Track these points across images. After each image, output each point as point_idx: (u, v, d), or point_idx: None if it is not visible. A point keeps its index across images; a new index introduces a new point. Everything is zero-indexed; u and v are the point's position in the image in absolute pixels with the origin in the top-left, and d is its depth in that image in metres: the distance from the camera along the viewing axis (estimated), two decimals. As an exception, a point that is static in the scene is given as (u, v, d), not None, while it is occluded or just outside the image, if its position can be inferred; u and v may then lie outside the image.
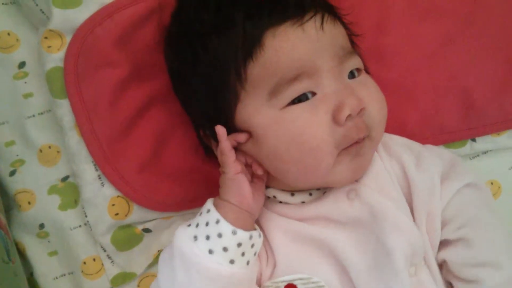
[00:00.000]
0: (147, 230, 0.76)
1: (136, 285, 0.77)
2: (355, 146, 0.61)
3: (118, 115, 0.72)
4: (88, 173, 0.72)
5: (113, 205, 0.73)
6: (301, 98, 0.60)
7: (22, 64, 0.76)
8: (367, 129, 0.61)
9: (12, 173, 0.76)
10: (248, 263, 0.59)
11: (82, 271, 0.76)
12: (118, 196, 0.73)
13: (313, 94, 0.60)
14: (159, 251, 0.76)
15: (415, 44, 0.77)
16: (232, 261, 0.57)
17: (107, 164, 0.71)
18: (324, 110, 0.59)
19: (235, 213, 0.60)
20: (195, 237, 0.58)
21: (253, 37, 0.59)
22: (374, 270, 0.60)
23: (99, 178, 0.73)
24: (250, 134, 0.62)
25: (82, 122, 0.71)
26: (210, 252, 0.57)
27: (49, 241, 0.77)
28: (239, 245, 0.58)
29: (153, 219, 0.76)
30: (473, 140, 0.80)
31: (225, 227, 0.58)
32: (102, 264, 0.76)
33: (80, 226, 0.76)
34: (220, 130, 0.61)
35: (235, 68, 0.60)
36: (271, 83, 0.59)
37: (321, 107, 0.59)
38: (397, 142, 0.71)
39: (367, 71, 0.68)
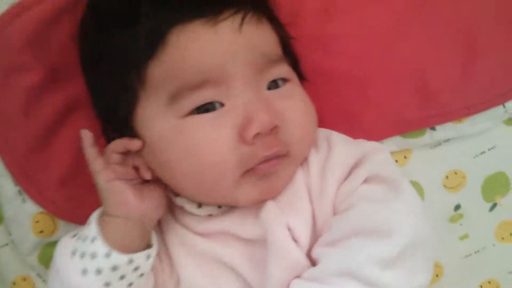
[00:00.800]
0: (77, 245, 0.70)
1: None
2: (265, 166, 0.54)
3: (35, 123, 0.65)
4: (7, 189, 0.67)
5: (37, 221, 0.68)
6: (207, 108, 0.53)
7: None
8: (283, 147, 0.54)
9: None
10: (130, 285, 0.55)
11: (12, 293, 0.71)
12: (41, 213, 0.67)
13: (222, 105, 0.53)
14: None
15: (364, 29, 0.69)
16: (107, 284, 0.53)
17: (26, 178, 0.66)
18: (230, 125, 0.53)
19: (120, 228, 0.55)
20: (73, 253, 0.54)
21: (157, 33, 0.52)
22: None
23: (20, 193, 0.67)
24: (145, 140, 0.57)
25: (-6, 132, 0.65)
26: (84, 272, 0.53)
27: (-25, 261, 0.72)
28: (114, 268, 0.53)
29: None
30: (433, 128, 0.73)
31: (100, 247, 0.53)
32: (34, 283, 0.70)
33: (6, 244, 0.70)
34: (84, 135, 0.57)
35: (136, 66, 0.54)
36: (172, 87, 0.53)
37: (227, 120, 0.53)
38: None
39: (302, 78, 0.62)
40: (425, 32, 0.69)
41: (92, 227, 0.54)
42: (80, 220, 0.67)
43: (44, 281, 0.70)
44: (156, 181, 0.59)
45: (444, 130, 0.73)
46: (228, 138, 0.52)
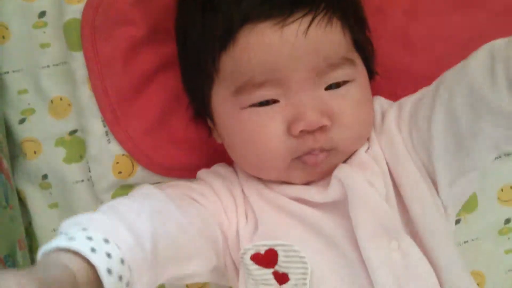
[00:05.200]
0: (147, 193, 0.75)
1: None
2: (310, 158, 0.59)
3: (131, 74, 0.71)
4: (96, 128, 0.72)
5: (117, 163, 0.72)
6: (266, 101, 0.58)
7: (42, 14, 0.76)
8: (329, 143, 0.59)
9: (22, 121, 0.76)
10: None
11: (80, 226, 0.75)
12: (123, 155, 0.72)
13: (277, 101, 0.58)
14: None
15: (445, 35, 0.73)
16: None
17: (116, 121, 0.71)
18: (281, 119, 0.58)
19: None
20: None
21: (230, 29, 0.57)
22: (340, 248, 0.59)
23: (106, 134, 0.72)
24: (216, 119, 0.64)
25: (94, 77, 0.71)
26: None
27: (50, 193, 0.77)
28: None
29: (155, 183, 0.74)
30: (496, 140, 0.76)
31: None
32: (101, 221, 0.75)
33: (82, 180, 0.76)
34: None
35: (212, 54, 0.59)
36: (239, 81, 0.58)
37: (279, 115, 0.58)
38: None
39: (373, 73, 0.66)
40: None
41: None
42: (155, 168, 0.73)
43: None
44: None
45: (510, 144, 0.76)
46: (278, 130, 0.58)
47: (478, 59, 0.54)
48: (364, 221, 0.57)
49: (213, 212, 0.62)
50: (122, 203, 0.54)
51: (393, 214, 0.59)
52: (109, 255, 0.45)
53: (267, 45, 0.56)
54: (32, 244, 0.77)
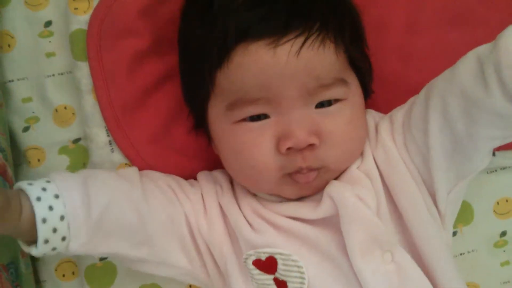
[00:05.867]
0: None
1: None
2: (300, 177, 0.61)
3: (135, 84, 0.72)
4: (99, 137, 0.73)
5: (120, 171, 0.73)
6: (257, 116, 0.60)
7: (48, 23, 0.77)
8: (318, 162, 0.60)
9: (26, 129, 0.77)
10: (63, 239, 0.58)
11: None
12: (126, 164, 0.73)
13: (269, 117, 0.60)
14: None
15: (444, 50, 0.74)
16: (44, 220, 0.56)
17: (119, 131, 0.72)
18: (270, 136, 0.60)
19: None
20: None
21: (225, 47, 0.59)
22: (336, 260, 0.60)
23: (110, 144, 0.73)
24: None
25: (99, 86, 0.72)
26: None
27: (53, 201, 0.78)
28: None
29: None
30: (493, 154, 0.77)
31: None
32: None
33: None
34: None
35: (208, 70, 0.61)
36: (232, 98, 0.60)
37: (269, 132, 0.60)
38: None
39: (368, 93, 0.67)
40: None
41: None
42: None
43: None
44: None
45: (503, 158, 0.76)
46: (268, 146, 0.60)
47: (467, 66, 0.55)
48: (355, 236, 0.59)
49: (188, 211, 0.66)
50: (100, 174, 0.65)
51: (386, 227, 0.61)
52: (51, 208, 0.56)
53: (260, 65, 0.57)
54: (34, 251, 0.78)
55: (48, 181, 0.58)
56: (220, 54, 0.59)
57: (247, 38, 0.57)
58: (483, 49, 0.54)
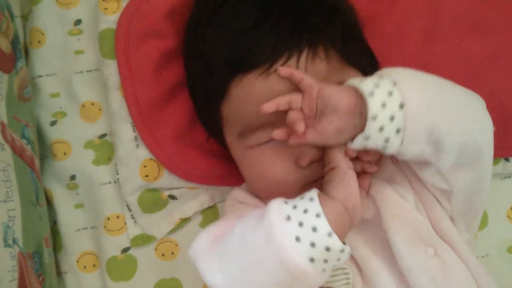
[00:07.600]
0: (172, 197, 0.78)
1: (154, 248, 0.79)
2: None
3: (160, 83, 0.74)
4: (125, 133, 0.75)
5: (145, 166, 0.75)
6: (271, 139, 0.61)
7: (78, 22, 0.79)
8: None
9: (53, 123, 0.79)
10: (323, 271, 0.53)
11: (104, 226, 0.78)
12: (150, 159, 0.75)
13: None
14: (181, 219, 0.78)
15: (461, 57, 0.76)
16: (312, 260, 0.51)
17: (145, 127, 0.74)
18: (288, 155, 0.60)
19: (337, 214, 0.53)
20: (288, 217, 0.52)
21: (221, 83, 0.61)
22: (383, 258, 0.61)
23: (135, 139, 0.75)
24: None
25: (126, 84, 0.74)
26: (297, 239, 0.51)
27: (77, 193, 0.79)
28: (327, 249, 0.52)
29: (180, 187, 0.78)
30: (507, 160, 0.79)
31: (324, 225, 0.52)
32: (125, 222, 0.78)
33: (110, 182, 0.78)
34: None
35: (213, 105, 0.64)
36: (239, 127, 0.62)
37: (285, 152, 0.60)
38: None
39: None
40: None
41: (315, 203, 0.53)
42: (181, 173, 0.76)
43: (135, 222, 0.77)
44: (365, 187, 0.63)
45: (517, 164, 0.78)
46: (286, 163, 0.60)
47: None
48: (398, 232, 0.60)
49: None
50: None
51: (425, 222, 0.62)
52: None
53: (255, 95, 0.59)
54: (55, 243, 0.79)
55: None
56: (219, 89, 0.62)
57: (239, 72, 0.59)
58: None
